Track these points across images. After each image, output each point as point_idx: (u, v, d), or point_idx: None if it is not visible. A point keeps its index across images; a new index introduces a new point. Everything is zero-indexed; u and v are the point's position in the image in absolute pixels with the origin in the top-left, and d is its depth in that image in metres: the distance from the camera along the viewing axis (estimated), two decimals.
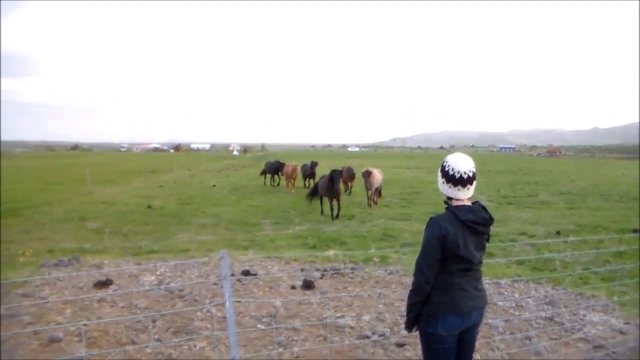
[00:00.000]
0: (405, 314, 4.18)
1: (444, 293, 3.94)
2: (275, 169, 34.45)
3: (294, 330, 7.33)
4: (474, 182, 3.97)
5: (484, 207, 4.02)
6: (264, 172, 35.93)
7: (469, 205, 3.96)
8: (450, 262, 3.87)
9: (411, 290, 4.02)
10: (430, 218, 3.95)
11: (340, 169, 21.86)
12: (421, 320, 4.09)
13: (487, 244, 4.15)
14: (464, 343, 4.16)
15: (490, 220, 3.98)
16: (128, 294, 8.82)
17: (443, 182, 4.00)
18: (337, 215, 19.54)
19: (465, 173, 3.89)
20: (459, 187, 3.90)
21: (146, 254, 12.72)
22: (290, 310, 8.22)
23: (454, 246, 3.79)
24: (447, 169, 3.96)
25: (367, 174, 23.39)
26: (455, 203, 3.99)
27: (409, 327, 4.20)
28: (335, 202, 19.66)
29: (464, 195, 3.95)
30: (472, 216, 3.86)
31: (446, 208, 4.02)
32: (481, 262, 4.07)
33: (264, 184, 35.15)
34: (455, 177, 3.90)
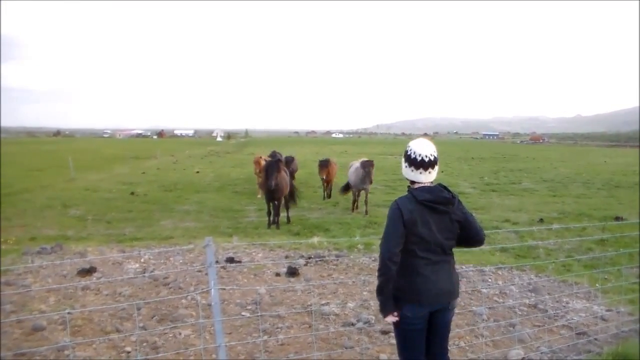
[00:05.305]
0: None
1: (406, 279, 4.05)
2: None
3: (279, 318, 7.33)
4: (436, 167, 4.11)
5: (445, 187, 4.12)
6: None
7: (427, 186, 4.09)
8: (413, 243, 3.98)
9: (377, 270, 4.10)
10: (393, 201, 4.11)
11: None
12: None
13: (476, 226, 4.24)
14: (435, 326, 4.22)
15: (450, 199, 4.05)
16: (112, 281, 8.77)
17: (406, 166, 4.15)
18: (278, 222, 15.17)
19: (426, 156, 4.03)
20: (421, 170, 4.05)
21: (130, 241, 12.62)
22: (275, 298, 8.22)
23: (412, 224, 3.92)
24: (409, 152, 4.11)
25: (371, 165, 17.15)
26: (416, 187, 4.12)
27: (384, 311, 4.17)
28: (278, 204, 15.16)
29: (425, 179, 4.08)
30: (429, 195, 3.99)
31: (408, 191, 4.14)
32: (450, 247, 4.16)
33: None
34: (417, 160, 4.03)
